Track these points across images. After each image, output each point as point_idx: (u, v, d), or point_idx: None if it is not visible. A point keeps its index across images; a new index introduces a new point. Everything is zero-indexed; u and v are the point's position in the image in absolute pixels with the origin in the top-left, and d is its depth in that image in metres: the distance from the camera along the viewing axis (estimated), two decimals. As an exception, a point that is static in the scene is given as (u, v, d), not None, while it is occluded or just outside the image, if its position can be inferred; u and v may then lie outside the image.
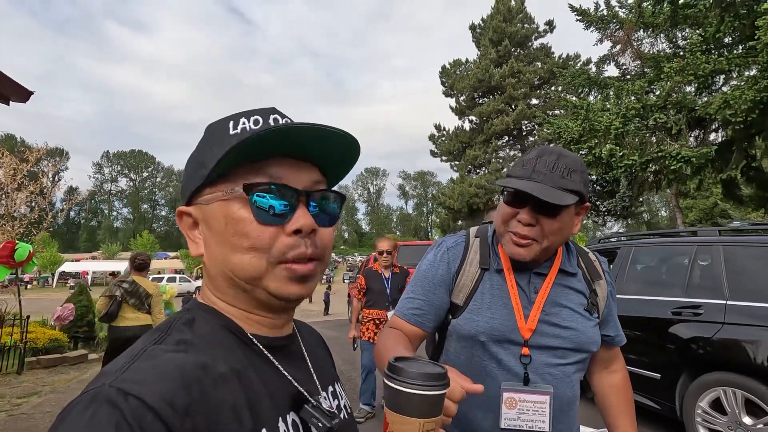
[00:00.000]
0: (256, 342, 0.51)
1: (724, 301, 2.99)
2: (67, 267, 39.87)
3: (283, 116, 0.54)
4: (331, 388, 0.61)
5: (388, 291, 4.10)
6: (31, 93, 3.43)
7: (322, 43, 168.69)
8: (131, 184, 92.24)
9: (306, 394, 0.52)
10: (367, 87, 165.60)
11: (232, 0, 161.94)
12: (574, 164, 0.92)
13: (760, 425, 2.66)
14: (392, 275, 4.17)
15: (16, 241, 6.01)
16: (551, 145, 0.97)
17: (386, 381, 0.57)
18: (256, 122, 0.52)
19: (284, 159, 0.50)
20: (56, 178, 8.79)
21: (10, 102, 3.40)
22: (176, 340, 0.45)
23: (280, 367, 0.52)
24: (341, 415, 0.58)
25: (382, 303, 4.07)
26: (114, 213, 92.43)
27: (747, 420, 2.74)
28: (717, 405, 2.91)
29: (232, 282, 0.51)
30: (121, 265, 40.51)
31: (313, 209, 0.51)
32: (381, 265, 4.19)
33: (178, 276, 29.97)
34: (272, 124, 0.52)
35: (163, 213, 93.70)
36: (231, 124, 0.52)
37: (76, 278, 34.73)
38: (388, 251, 4.14)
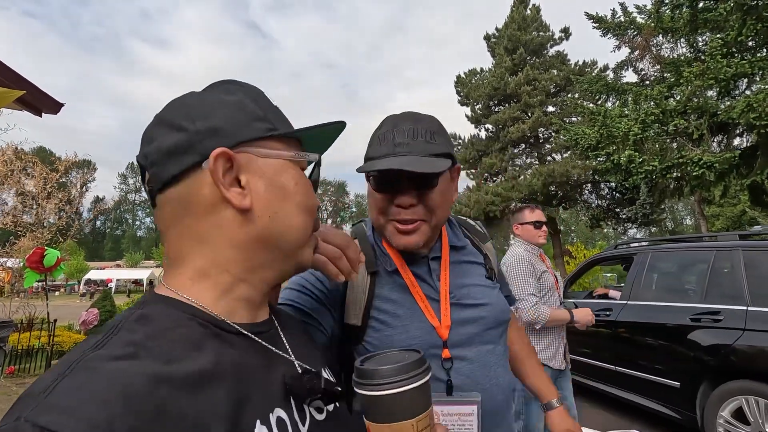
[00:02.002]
0: (240, 329, 0.46)
1: (745, 308, 2.91)
2: (93, 275, 41.13)
3: None
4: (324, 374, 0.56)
5: None
6: (62, 105, 3.63)
7: (337, 56, 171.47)
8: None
9: (298, 367, 0.49)
10: (383, 98, 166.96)
11: (249, 15, 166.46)
12: (433, 125, 0.82)
13: (785, 436, 2.57)
14: None
15: (45, 248, 6.29)
16: (400, 112, 0.87)
17: (361, 391, 0.47)
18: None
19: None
20: (83, 188, 9.16)
21: (42, 114, 3.61)
22: (124, 342, 0.37)
23: (269, 345, 0.48)
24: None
25: None
26: (137, 222, 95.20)
27: (771, 430, 2.64)
28: (740, 414, 2.81)
29: (273, 245, 0.50)
30: (143, 273, 41.64)
31: None
32: None
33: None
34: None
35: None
36: (264, 95, 0.57)
37: (87, 286, 36.87)
38: None
